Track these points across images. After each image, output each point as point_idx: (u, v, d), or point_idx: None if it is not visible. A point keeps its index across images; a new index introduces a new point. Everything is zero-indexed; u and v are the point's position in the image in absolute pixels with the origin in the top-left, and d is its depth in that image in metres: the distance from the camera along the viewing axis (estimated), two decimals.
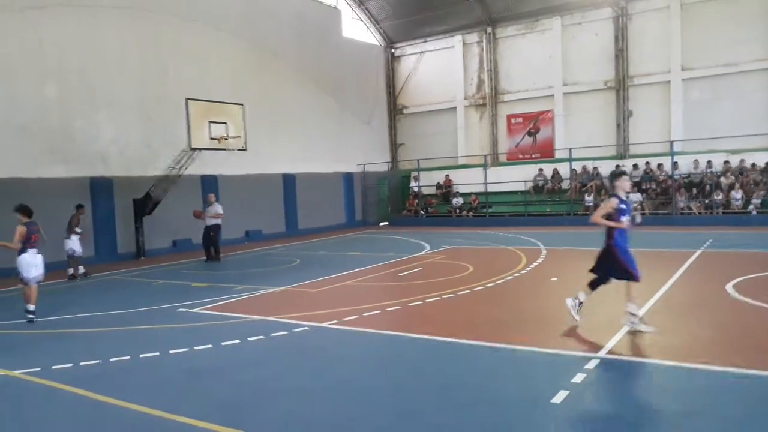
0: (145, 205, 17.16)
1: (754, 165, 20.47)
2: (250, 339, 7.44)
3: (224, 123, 16.30)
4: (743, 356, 6.00)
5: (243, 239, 20.90)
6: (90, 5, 16.95)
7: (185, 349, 7.04)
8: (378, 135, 28.89)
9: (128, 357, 6.86)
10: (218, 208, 15.96)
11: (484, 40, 26.76)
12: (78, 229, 13.71)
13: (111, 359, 6.80)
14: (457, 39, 27.54)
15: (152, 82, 18.41)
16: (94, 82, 16.95)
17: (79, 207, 14.09)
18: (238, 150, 16.88)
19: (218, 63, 20.44)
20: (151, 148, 18.07)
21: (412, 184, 27.57)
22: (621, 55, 23.48)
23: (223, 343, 7.25)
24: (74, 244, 13.64)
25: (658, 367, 5.83)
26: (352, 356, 6.75)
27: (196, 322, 8.60)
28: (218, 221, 15.90)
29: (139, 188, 17.20)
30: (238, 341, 7.34)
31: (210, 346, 7.18)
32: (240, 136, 16.59)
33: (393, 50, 29.38)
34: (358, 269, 13.15)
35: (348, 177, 26.12)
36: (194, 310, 9.48)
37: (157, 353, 6.95)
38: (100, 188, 16.96)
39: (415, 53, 28.88)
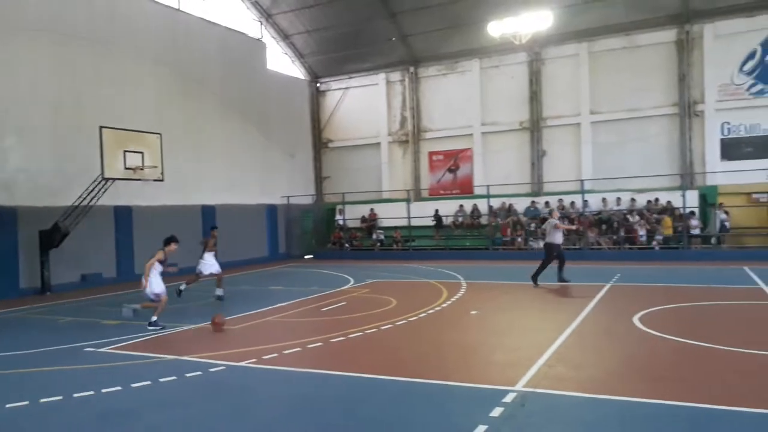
0: (52, 237, 16.13)
1: (657, 200, 21.94)
2: (162, 380, 7.07)
3: (140, 152, 15.75)
4: (652, 386, 6.34)
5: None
6: (3, 26, 16.09)
7: (91, 392, 6.60)
8: (303, 168, 28.83)
9: (27, 402, 6.34)
10: None
11: (407, 79, 27.52)
12: None
13: (6, 405, 6.25)
14: (381, 77, 28.17)
15: (67, 108, 17.55)
16: (4, 105, 15.98)
17: None
18: (154, 180, 16.32)
19: (138, 91, 19.83)
20: (63, 176, 17.12)
21: (337, 217, 27.57)
22: (535, 97, 24.82)
23: (134, 385, 6.86)
24: None
25: (574, 399, 6.03)
26: (270, 397, 6.56)
27: (105, 363, 8.10)
28: None
29: (46, 219, 16.18)
30: (149, 383, 6.96)
31: (119, 388, 6.77)
32: (157, 167, 16.06)
33: (318, 85, 29.64)
34: (279, 304, 12.89)
35: (272, 209, 25.78)
36: (103, 350, 8.93)
37: (60, 397, 6.47)
38: (2, 218, 15.82)
39: (340, 88, 29.26)
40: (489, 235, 23.72)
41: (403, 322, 10.38)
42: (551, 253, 14.50)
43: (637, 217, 21.80)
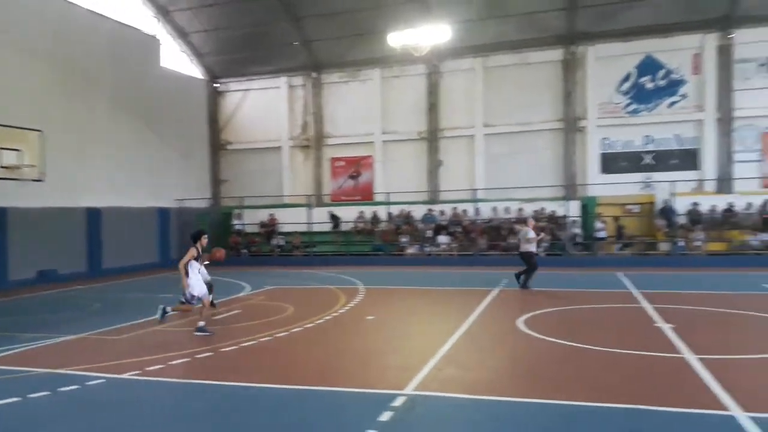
0: None
1: (543, 209, 23.27)
2: (32, 396, 6.57)
3: (18, 150, 14.57)
4: (534, 386, 6.74)
5: (34, 280, 18.53)
6: None
7: None
8: (199, 170, 27.86)
9: None
10: None
11: (310, 84, 27.43)
12: None
13: None
14: (282, 80, 27.89)
15: None
16: None
17: None
18: (33, 180, 15.15)
19: (16, 84, 18.29)
20: None
21: (235, 221, 26.88)
22: (433, 108, 25.59)
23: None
24: None
25: (461, 401, 6.28)
26: (153, 411, 6.28)
27: None
28: None
29: None
30: (17, 399, 6.45)
31: None
32: (35, 166, 14.93)
33: (217, 85, 28.81)
34: (169, 313, 12.34)
35: (164, 213, 24.67)
36: None
37: None
38: None
39: (241, 90, 28.63)
40: (383, 240, 24.10)
41: (299, 329, 10.32)
42: (531, 259, 15.15)
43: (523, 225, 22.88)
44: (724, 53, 22.18)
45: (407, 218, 24.69)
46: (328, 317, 11.47)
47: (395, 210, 25.00)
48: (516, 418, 5.81)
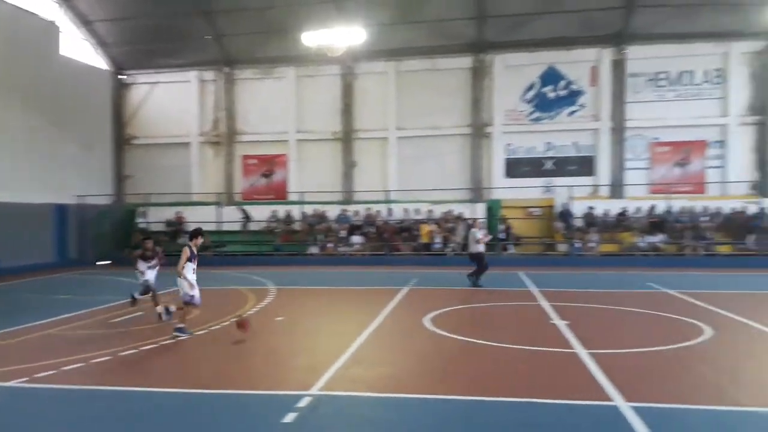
0: None
1: (451, 211, 23.99)
2: None
3: None
4: (438, 382, 7.01)
5: None
6: None
7: None
8: (101, 165, 26.45)
9: None
10: None
11: (222, 80, 26.76)
12: None
13: None
14: (193, 74, 27.03)
15: None
16: None
17: None
18: None
19: None
20: None
21: (139, 219, 25.71)
22: (348, 109, 25.73)
23: None
24: None
25: (366, 399, 6.42)
26: (41, 421, 5.96)
27: None
28: None
29: None
30: None
31: None
32: None
33: (122, 77, 27.46)
34: (64, 315, 11.71)
35: (61, 209, 23.21)
36: None
37: None
38: None
39: (148, 83, 27.45)
40: (283, 241, 23.97)
41: (204, 331, 10.10)
42: (482, 260, 15.70)
43: (434, 225, 23.51)
44: (618, 67, 23.85)
45: (321, 218, 24.67)
46: (235, 319, 11.27)
47: (309, 210, 24.90)
48: (418, 414, 6.03)
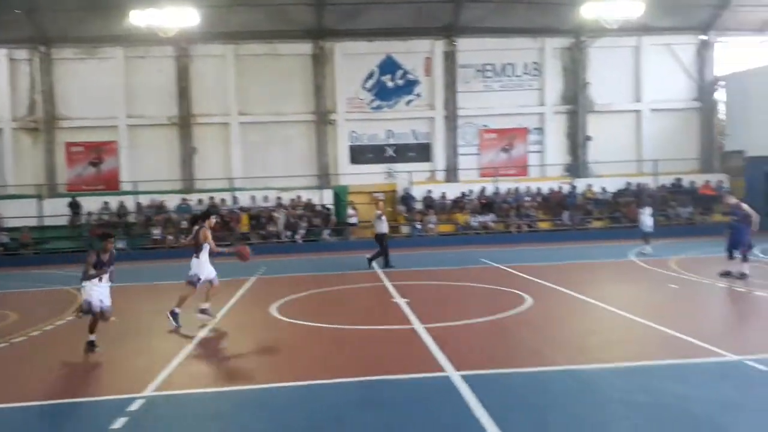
0: None
1: (299, 198, 23.97)
2: None
3: None
4: (282, 371, 7.04)
5: None
6: None
7: None
8: None
9: None
10: None
11: (37, 60, 24.02)
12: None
13: None
14: (2, 53, 23.95)
15: None
16: None
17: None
18: None
19: None
20: None
21: None
22: (184, 93, 24.45)
23: None
24: None
25: (204, 395, 6.26)
26: None
27: None
28: None
29: None
30: None
31: None
32: None
33: None
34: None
35: None
36: None
37: None
38: None
39: None
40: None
41: (22, 338, 9.15)
42: (383, 241, 15.94)
43: (284, 212, 23.33)
44: (450, 59, 25.31)
45: (159, 209, 23.29)
46: (60, 322, 10.36)
47: (145, 200, 23.39)
48: (257, 404, 6.02)
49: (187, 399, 6.17)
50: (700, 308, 10.62)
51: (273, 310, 10.75)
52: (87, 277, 8.03)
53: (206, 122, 24.73)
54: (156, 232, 22.47)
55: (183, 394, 6.30)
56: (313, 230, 22.99)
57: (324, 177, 24.90)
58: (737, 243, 11.84)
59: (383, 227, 16.51)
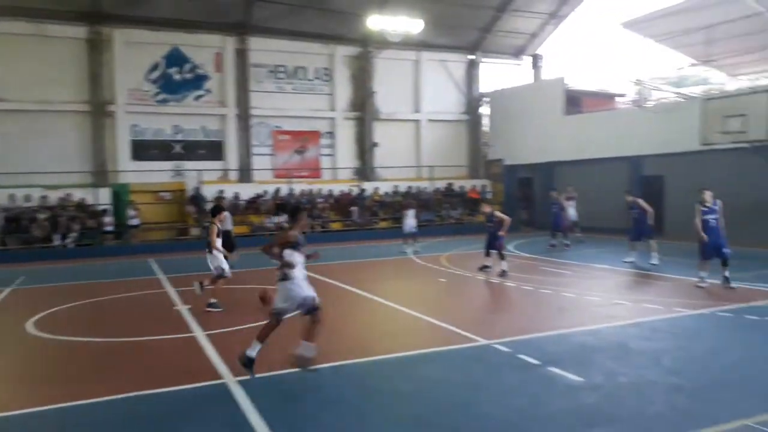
0: None
1: (70, 196, 21.49)
2: None
3: None
4: (36, 394, 6.35)
5: None
6: None
7: None
8: None
9: None
10: None
11: None
12: None
13: None
14: None
15: None
16: None
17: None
18: None
19: None
20: None
21: None
22: None
23: None
24: None
25: None
26: None
27: None
28: None
29: None
30: None
31: None
32: None
33: None
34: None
35: None
36: None
37: None
38: None
39: None
40: None
41: None
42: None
43: (48, 213, 20.81)
44: (242, 56, 24.87)
45: None
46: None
47: None
48: (47, 424, 5.38)
49: None
50: (462, 299, 11.92)
51: (29, 325, 9.56)
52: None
53: None
54: None
55: None
56: (87, 233, 20.87)
57: (101, 174, 22.71)
58: (492, 245, 13.65)
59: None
